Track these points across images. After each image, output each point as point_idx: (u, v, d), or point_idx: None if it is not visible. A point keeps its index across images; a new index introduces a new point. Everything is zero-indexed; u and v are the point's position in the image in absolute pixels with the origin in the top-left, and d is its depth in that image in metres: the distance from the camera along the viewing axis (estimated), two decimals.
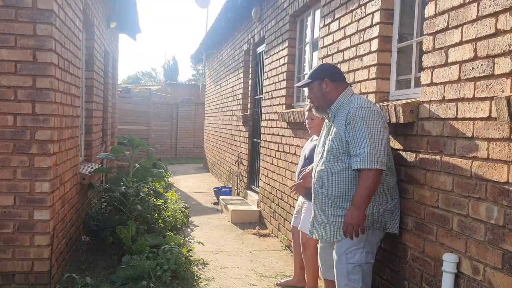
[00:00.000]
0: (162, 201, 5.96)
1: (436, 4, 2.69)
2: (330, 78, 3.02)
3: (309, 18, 5.33)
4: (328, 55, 4.37)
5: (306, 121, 3.97)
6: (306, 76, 3.19)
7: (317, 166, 3.04)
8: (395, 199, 2.98)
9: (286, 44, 5.78)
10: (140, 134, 14.02)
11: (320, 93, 3.06)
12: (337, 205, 2.90)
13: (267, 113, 6.60)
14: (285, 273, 4.60)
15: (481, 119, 2.30)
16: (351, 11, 3.87)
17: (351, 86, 3.20)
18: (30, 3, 3.55)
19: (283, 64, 5.88)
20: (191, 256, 4.85)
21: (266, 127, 6.63)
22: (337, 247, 2.97)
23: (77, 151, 4.93)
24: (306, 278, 4.03)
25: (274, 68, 6.32)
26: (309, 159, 3.82)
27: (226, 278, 4.44)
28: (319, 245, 3.33)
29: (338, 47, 4.15)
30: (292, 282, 4.23)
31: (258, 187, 7.26)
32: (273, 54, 6.38)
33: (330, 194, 2.93)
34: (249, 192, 7.84)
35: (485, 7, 2.28)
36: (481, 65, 2.30)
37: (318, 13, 5.01)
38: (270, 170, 6.36)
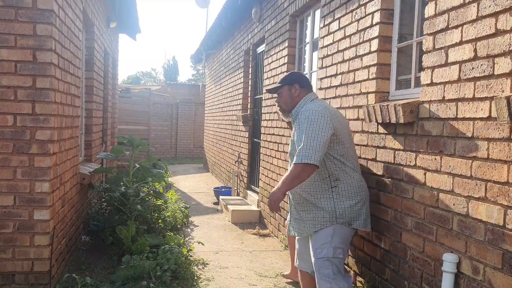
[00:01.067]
0: (162, 201, 5.96)
1: (436, 4, 2.69)
2: (299, 84, 3.32)
3: (309, 18, 5.33)
4: (328, 55, 4.37)
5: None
6: (278, 82, 3.43)
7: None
8: (358, 196, 3.13)
9: (286, 44, 5.78)
10: (140, 134, 14.03)
11: (289, 97, 3.34)
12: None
13: (267, 113, 6.60)
14: (286, 273, 4.60)
15: (481, 119, 2.30)
16: (351, 11, 3.87)
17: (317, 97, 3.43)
18: (30, 3, 3.55)
19: (283, 64, 5.88)
20: (191, 256, 4.85)
21: (266, 127, 6.63)
22: (310, 245, 3.19)
23: (77, 151, 4.93)
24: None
25: (274, 68, 6.32)
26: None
27: (226, 278, 4.44)
28: (296, 239, 3.51)
29: (338, 47, 4.15)
30: (288, 276, 4.40)
31: (258, 187, 7.26)
32: (273, 54, 6.38)
33: (298, 192, 3.21)
34: (249, 192, 7.84)
35: (485, 7, 2.28)
36: (481, 65, 2.30)
37: (318, 13, 5.01)
38: (270, 170, 6.36)
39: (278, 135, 5.99)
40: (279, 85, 3.39)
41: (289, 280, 4.37)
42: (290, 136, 5.46)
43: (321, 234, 3.09)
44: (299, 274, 3.57)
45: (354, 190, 3.13)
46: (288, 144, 5.54)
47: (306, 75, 5.39)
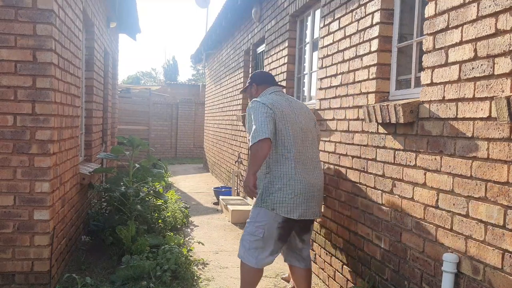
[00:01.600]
0: (162, 201, 5.96)
1: (436, 4, 2.69)
2: (256, 82, 3.80)
3: (309, 18, 5.33)
4: (328, 55, 4.37)
5: None
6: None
7: None
8: (279, 184, 3.37)
9: (286, 44, 5.78)
10: (140, 134, 14.03)
11: (250, 94, 3.88)
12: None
13: None
14: (285, 273, 4.60)
15: (481, 119, 2.30)
16: (351, 11, 3.87)
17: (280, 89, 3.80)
18: (30, 3, 3.55)
19: (283, 64, 5.88)
20: (191, 256, 4.85)
21: None
22: None
23: (77, 151, 4.93)
24: None
25: (274, 68, 6.32)
26: None
27: (226, 278, 4.44)
28: None
29: (338, 47, 4.15)
30: (287, 278, 4.40)
31: None
32: (273, 54, 6.38)
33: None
34: None
35: (485, 7, 2.28)
36: (481, 65, 2.30)
37: (318, 13, 5.01)
38: None
39: None
40: (247, 85, 3.90)
41: (288, 283, 4.37)
42: None
43: (252, 211, 3.50)
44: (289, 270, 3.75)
45: (276, 178, 3.38)
46: None
47: (306, 75, 5.40)
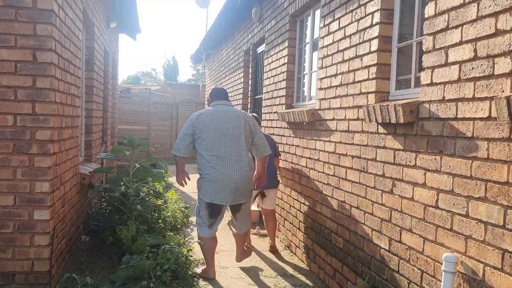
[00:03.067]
0: (162, 201, 5.96)
1: (436, 4, 2.69)
2: (210, 97, 4.73)
3: (309, 18, 5.33)
4: (328, 55, 4.37)
5: None
6: None
7: None
8: (202, 176, 4.42)
9: (286, 44, 5.78)
10: (140, 134, 14.04)
11: (208, 105, 4.81)
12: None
13: (267, 113, 6.60)
14: (285, 273, 4.60)
15: (481, 119, 2.30)
16: (351, 11, 3.87)
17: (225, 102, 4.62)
18: (30, 3, 3.55)
19: (283, 64, 5.88)
20: (191, 256, 4.85)
21: (266, 127, 6.62)
22: None
23: (77, 151, 4.93)
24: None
25: (274, 68, 6.32)
26: None
27: (226, 278, 4.44)
28: None
29: (338, 47, 4.15)
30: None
31: None
32: (273, 54, 6.38)
33: None
34: None
35: (485, 7, 2.28)
36: (481, 65, 2.30)
37: (318, 13, 5.01)
38: None
39: (278, 135, 5.99)
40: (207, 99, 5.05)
41: (288, 281, 4.36)
42: (290, 136, 5.48)
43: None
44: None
45: (202, 173, 4.40)
46: (288, 144, 5.56)
47: (306, 75, 5.40)
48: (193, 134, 4.40)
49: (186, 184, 4.67)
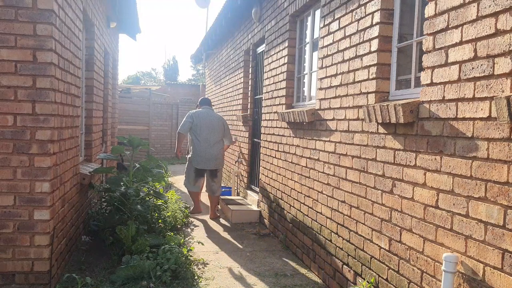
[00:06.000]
0: (162, 201, 5.95)
1: (436, 4, 2.69)
2: (199, 103, 7.50)
3: (309, 18, 5.33)
4: (328, 55, 4.37)
5: None
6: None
7: None
8: (193, 151, 7.07)
9: (286, 44, 5.78)
10: (140, 134, 14.03)
11: (196, 108, 7.33)
12: None
13: (267, 113, 6.60)
14: (285, 273, 4.61)
15: (481, 119, 2.30)
16: (351, 11, 3.88)
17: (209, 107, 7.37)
18: (30, 3, 3.55)
19: (283, 64, 5.88)
20: (191, 256, 4.85)
21: (266, 127, 6.63)
22: None
23: (77, 151, 4.93)
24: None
25: (274, 68, 6.32)
26: None
27: (226, 278, 4.44)
28: None
29: (338, 47, 4.15)
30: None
31: (258, 187, 7.26)
32: (273, 54, 6.38)
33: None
34: (249, 192, 7.84)
35: (485, 7, 2.28)
36: (481, 65, 2.30)
37: (318, 13, 5.01)
38: (270, 170, 6.36)
39: (278, 135, 5.99)
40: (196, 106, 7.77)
41: (288, 281, 4.37)
42: (290, 136, 5.49)
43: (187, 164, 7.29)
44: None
45: (195, 149, 7.05)
46: (287, 144, 5.56)
47: (306, 75, 5.40)
48: (192, 123, 7.00)
49: (180, 158, 7.78)
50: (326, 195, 4.33)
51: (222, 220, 7.03)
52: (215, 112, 7.39)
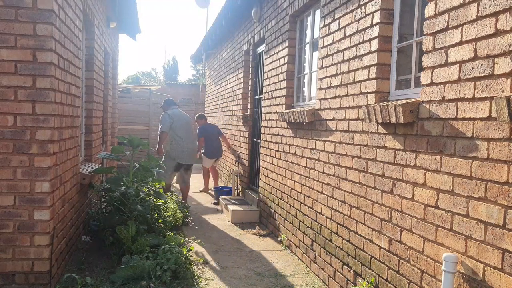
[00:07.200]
0: (162, 201, 5.95)
1: (436, 4, 2.69)
2: (165, 105, 8.14)
3: (309, 18, 5.33)
4: (328, 55, 4.37)
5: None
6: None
7: None
8: (174, 147, 7.63)
9: (286, 44, 5.78)
10: (140, 134, 14.01)
11: (164, 109, 8.23)
12: None
13: (267, 113, 6.60)
14: (285, 273, 4.61)
15: (481, 119, 2.30)
16: (351, 11, 3.88)
17: (178, 107, 8.19)
18: (30, 3, 3.55)
19: (283, 64, 5.88)
20: (191, 256, 4.85)
21: (266, 127, 6.63)
22: None
23: (77, 151, 4.93)
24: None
25: (274, 68, 6.32)
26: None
27: (226, 278, 4.44)
28: None
29: (338, 47, 4.15)
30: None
31: (258, 187, 7.26)
32: (273, 54, 6.38)
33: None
34: (249, 192, 7.84)
35: (485, 7, 2.28)
36: (481, 65, 2.30)
37: (318, 13, 5.01)
38: (270, 170, 6.36)
39: (278, 135, 5.99)
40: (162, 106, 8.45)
41: (288, 281, 4.37)
42: (290, 136, 5.49)
43: (164, 160, 7.62)
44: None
45: (175, 145, 7.65)
46: (287, 144, 5.56)
47: (306, 75, 5.40)
48: (172, 122, 7.69)
49: (161, 156, 7.86)
50: (326, 195, 4.33)
51: (222, 220, 7.03)
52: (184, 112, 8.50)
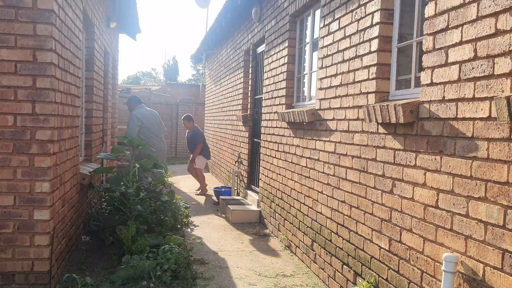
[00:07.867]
0: (163, 201, 5.94)
1: (436, 4, 2.69)
2: (132, 103, 8.03)
3: (309, 18, 5.33)
4: (328, 55, 4.37)
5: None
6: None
7: None
8: (156, 148, 7.43)
9: (286, 44, 5.78)
10: None
11: (130, 108, 8.17)
12: None
13: (267, 113, 6.60)
14: (285, 273, 4.61)
15: (481, 119, 2.30)
16: (351, 11, 3.88)
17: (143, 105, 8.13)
18: (30, 3, 3.55)
19: (283, 64, 5.88)
20: (191, 256, 4.85)
21: (266, 127, 6.63)
22: None
23: (77, 151, 4.93)
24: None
25: (274, 68, 6.32)
26: (189, 141, 9.82)
27: (226, 278, 4.44)
28: None
29: (338, 47, 4.15)
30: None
31: (258, 187, 7.26)
32: (273, 54, 6.38)
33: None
34: (249, 192, 7.84)
35: (485, 7, 2.28)
36: (481, 65, 2.30)
37: (318, 13, 5.01)
38: (270, 170, 6.36)
39: (278, 135, 5.99)
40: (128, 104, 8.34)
41: (288, 281, 4.36)
42: (290, 136, 5.48)
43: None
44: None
45: (155, 147, 7.33)
46: (287, 144, 5.56)
47: (306, 75, 5.40)
48: (141, 125, 7.66)
49: None
50: (326, 195, 4.33)
51: (222, 220, 7.03)
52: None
